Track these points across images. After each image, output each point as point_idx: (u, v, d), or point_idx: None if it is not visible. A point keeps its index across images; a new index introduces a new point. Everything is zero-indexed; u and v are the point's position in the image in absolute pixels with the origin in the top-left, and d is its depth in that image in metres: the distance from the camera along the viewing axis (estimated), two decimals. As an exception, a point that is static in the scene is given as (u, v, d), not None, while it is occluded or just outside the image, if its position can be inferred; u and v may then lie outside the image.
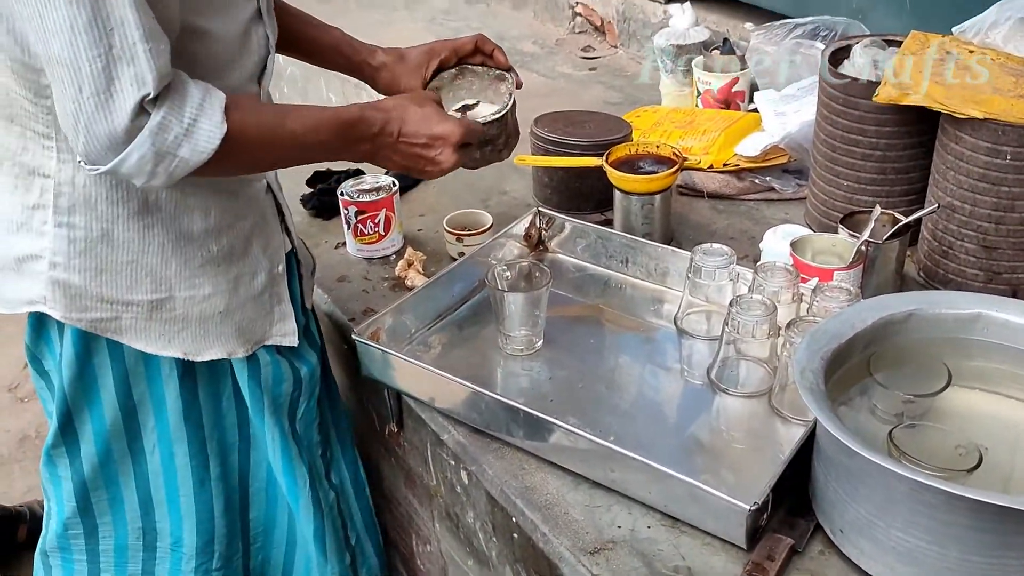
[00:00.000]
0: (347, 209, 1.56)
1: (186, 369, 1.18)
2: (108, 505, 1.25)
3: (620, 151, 1.55)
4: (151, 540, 1.27)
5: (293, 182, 1.71)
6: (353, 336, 1.26)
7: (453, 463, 1.22)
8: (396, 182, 1.60)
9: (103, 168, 0.95)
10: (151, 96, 0.93)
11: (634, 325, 1.40)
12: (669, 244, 1.56)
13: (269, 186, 1.22)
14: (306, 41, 1.38)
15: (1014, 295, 1.35)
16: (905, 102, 1.31)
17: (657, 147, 1.56)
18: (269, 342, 1.22)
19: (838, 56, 1.52)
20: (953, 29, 1.44)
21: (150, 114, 0.93)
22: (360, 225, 1.56)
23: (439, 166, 1.22)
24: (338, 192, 1.59)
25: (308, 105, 1.17)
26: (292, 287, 1.25)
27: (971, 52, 1.38)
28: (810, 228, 1.54)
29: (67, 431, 1.20)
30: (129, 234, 1.08)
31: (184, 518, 1.25)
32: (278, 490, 1.32)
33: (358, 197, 1.56)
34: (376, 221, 1.56)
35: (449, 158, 1.21)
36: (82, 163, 0.97)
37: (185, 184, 1.05)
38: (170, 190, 1.08)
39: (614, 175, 1.51)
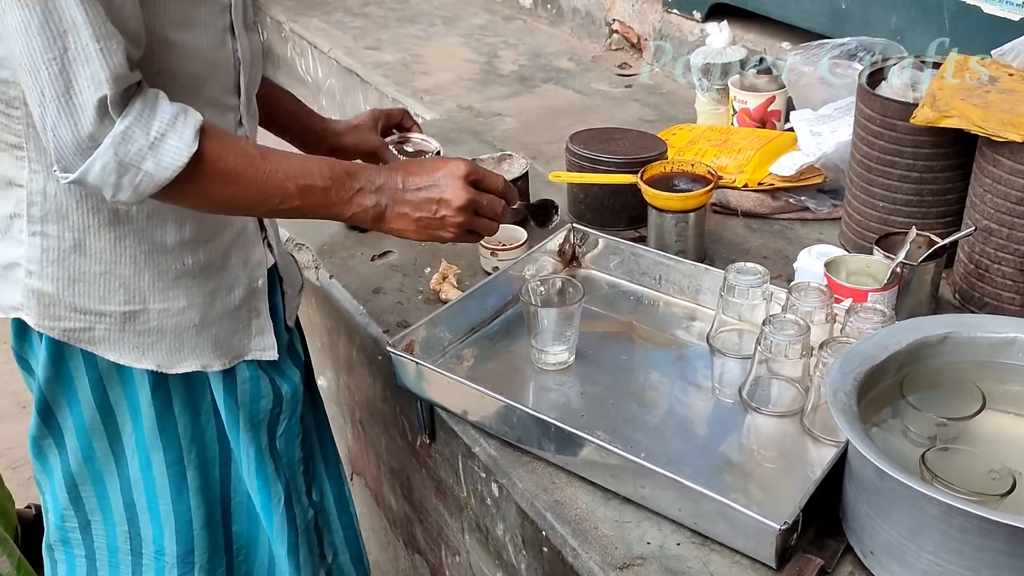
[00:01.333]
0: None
1: (158, 380, 1.18)
2: (97, 503, 1.25)
3: (655, 169, 1.56)
4: (137, 545, 1.27)
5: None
6: (387, 348, 1.28)
7: (484, 476, 1.23)
8: (440, 151, 1.61)
9: (72, 176, 0.94)
10: (109, 98, 0.92)
11: (666, 342, 1.40)
12: (702, 262, 1.57)
13: None
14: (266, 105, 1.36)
15: (1051, 319, 1.34)
16: (943, 124, 1.31)
17: (692, 165, 1.57)
18: (248, 357, 1.21)
19: (875, 77, 1.52)
20: (992, 52, 1.43)
21: (115, 122, 0.93)
22: None
23: (451, 205, 1.13)
24: (386, 141, 1.59)
25: (304, 154, 1.15)
26: (274, 302, 1.25)
27: (1010, 75, 1.38)
28: (845, 248, 1.54)
29: (50, 423, 1.20)
30: (101, 244, 1.08)
31: (164, 526, 1.25)
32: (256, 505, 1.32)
33: (400, 158, 1.58)
34: None
35: (460, 193, 1.13)
36: (56, 171, 0.96)
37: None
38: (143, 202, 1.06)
39: (648, 193, 1.52)
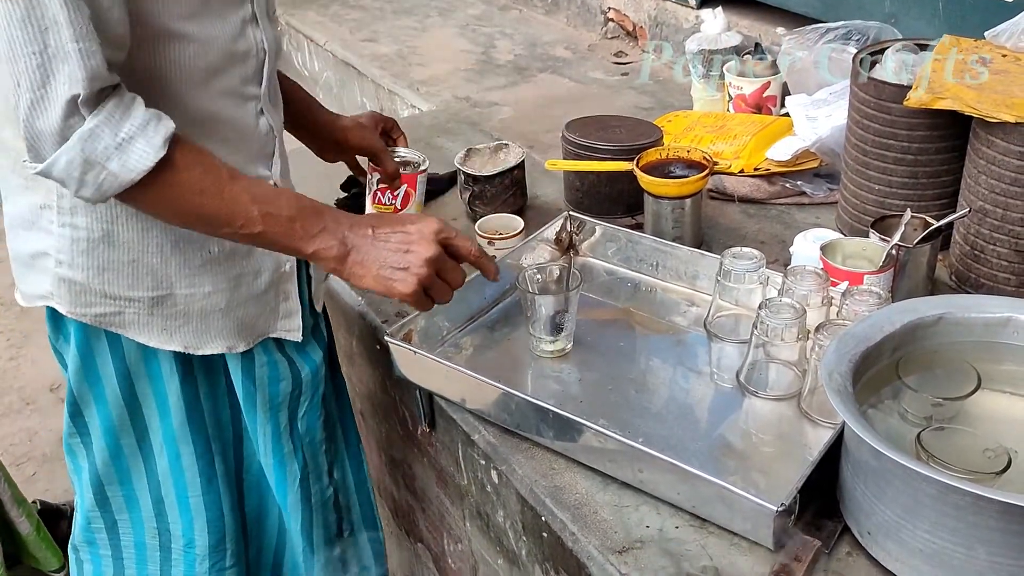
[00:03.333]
0: (372, 175, 1.58)
1: (186, 370, 1.21)
2: (124, 502, 1.28)
3: (651, 156, 1.56)
4: (166, 541, 1.30)
5: (326, 187, 1.74)
6: (386, 337, 1.29)
7: (484, 463, 1.24)
8: (426, 160, 1.63)
9: (39, 168, 0.96)
10: (82, 96, 0.93)
11: (664, 328, 1.41)
12: (699, 248, 1.57)
13: (277, 185, 1.22)
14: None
15: (1047, 300, 1.34)
16: (937, 106, 1.31)
17: (688, 152, 1.57)
18: (273, 335, 1.24)
19: (869, 60, 1.52)
20: (986, 33, 1.43)
21: (85, 119, 0.94)
22: (379, 193, 1.58)
23: (419, 256, 1.10)
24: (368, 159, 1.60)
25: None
26: (300, 286, 1.26)
27: (1004, 56, 1.38)
28: (841, 232, 1.54)
29: (78, 421, 1.23)
30: (129, 235, 1.10)
31: (195, 519, 1.28)
32: (268, 481, 1.35)
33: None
34: (395, 193, 1.58)
35: (430, 247, 1.11)
36: (26, 160, 0.98)
37: None
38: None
39: (644, 179, 1.52)
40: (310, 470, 1.34)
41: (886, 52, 1.51)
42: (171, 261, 1.13)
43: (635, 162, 1.55)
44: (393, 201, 1.59)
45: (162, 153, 0.97)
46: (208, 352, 1.19)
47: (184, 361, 1.21)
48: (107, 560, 1.31)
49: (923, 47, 1.52)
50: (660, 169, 1.55)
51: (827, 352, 1.02)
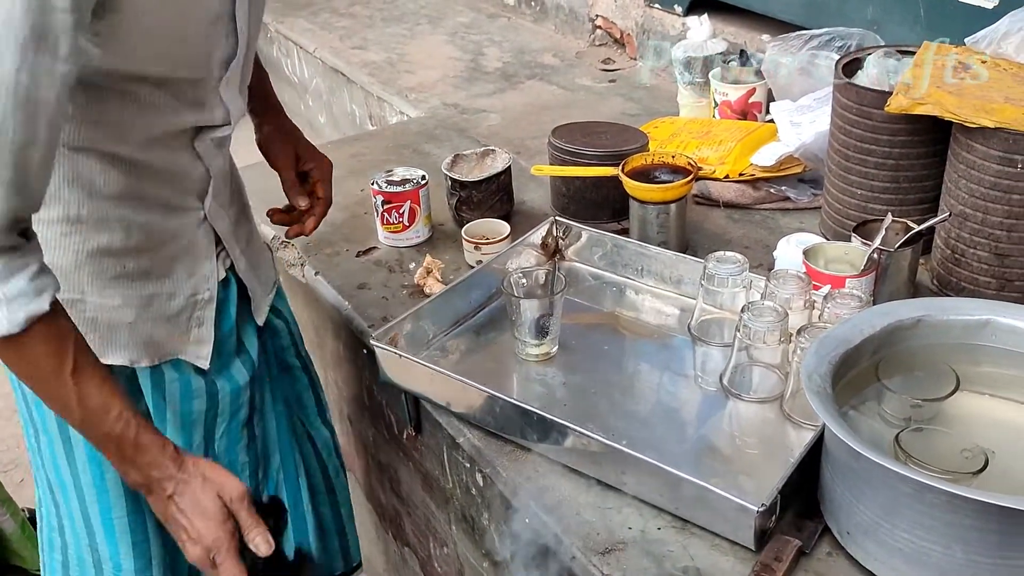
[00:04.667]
0: (375, 198, 1.65)
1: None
2: (67, 509, 1.25)
3: (636, 161, 1.57)
4: (97, 560, 1.26)
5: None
6: (371, 341, 1.29)
7: (468, 466, 1.24)
8: (425, 176, 1.65)
9: None
10: None
11: (649, 332, 1.42)
12: (684, 252, 1.58)
13: (206, 217, 1.21)
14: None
15: (1027, 303, 1.35)
16: (917, 112, 1.33)
17: (672, 157, 1.58)
18: (181, 357, 1.22)
19: (852, 67, 1.54)
20: (966, 39, 1.45)
21: None
22: (386, 214, 1.65)
23: (195, 539, 1.07)
24: (370, 183, 1.67)
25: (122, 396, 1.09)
26: (226, 311, 1.26)
27: (983, 62, 1.39)
28: (824, 237, 1.56)
29: (32, 420, 1.22)
30: (48, 235, 1.09)
31: (120, 540, 1.24)
32: None
33: (386, 187, 1.64)
34: (400, 212, 1.64)
35: (208, 530, 1.06)
36: None
37: (109, 199, 1.09)
38: (94, 204, 1.09)
39: (630, 185, 1.53)
40: None
41: (868, 58, 1.52)
42: (84, 268, 1.12)
43: (620, 167, 1.56)
44: (400, 219, 1.63)
45: (15, 331, 0.95)
46: (109, 362, 1.16)
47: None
48: (59, 567, 1.29)
49: (905, 53, 1.53)
50: (645, 174, 1.56)
51: (807, 354, 1.03)
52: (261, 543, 1.08)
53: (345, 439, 1.81)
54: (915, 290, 1.42)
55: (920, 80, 1.36)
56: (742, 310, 1.22)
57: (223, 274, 1.25)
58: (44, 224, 1.08)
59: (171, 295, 1.19)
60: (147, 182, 1.12)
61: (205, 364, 1.23)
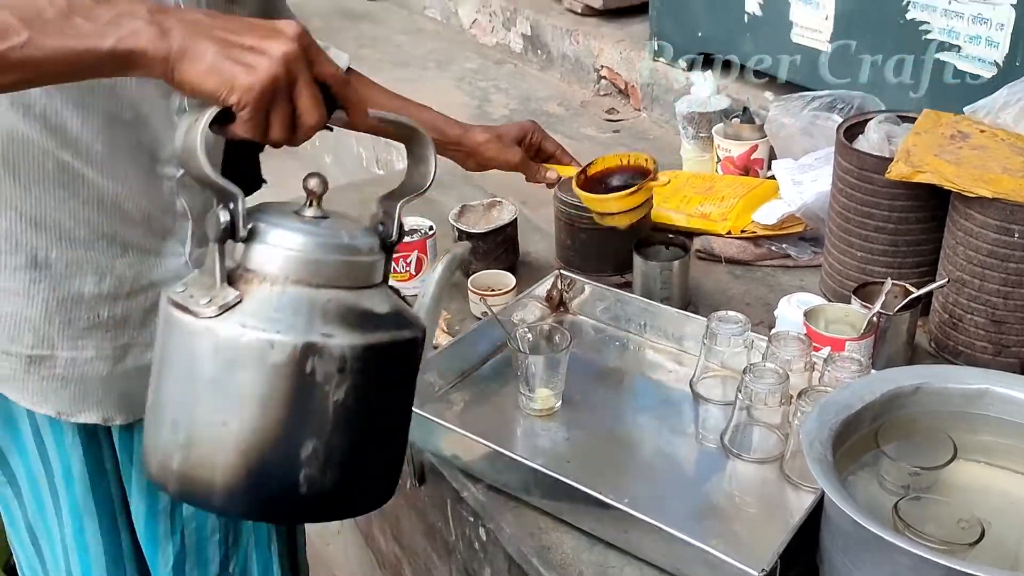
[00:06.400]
0: None
1: (90, 438, 1.16)
2: (50, 557, 1.23)
3: (593, 168, 1.53)
4: None
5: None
6: (379, 393, 1.31)
7: (472, 519, 1.26)
8: (433, 227, 1.68)
9: None
10: None
11: (651, 388, 1.44)
12: (687, 309, 1.61)
13: (188, 264, 1.15)
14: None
15: (1023, 368, 1.38)
16: (917, 180, 1.36)
17: (628, 160, 1.52)
18: None
19: (853, 130, 1.57)
20: (965, 109, 1.49)
21: None
22: (393, 263, 1.62)
23: (272, 48, 0.76)
24: None
25: None
26: None
27: (982, 132, 1.43)
28: (825, 296, 1.58)
29: (5, 469, 1.19)
30: (15, 285, 1.05)
31: None
32: None
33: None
34: (408, 261, 1.66)
35: (291, 44, 0.76)
36: None
37: (80, 244, 1.05)
38: (63, 248, 1.04)
39: (585, 197, 1.49)
40: (188, 556, 1.27)
41: (869, 123, 1.56)
42: (55, 319, 1.07)
43: (574, 181, 1.53)
44: (407, 268, 1.65)
45: None
46: (83, 420, 1.13)
47: (88, 429, 1.15)
48: None
49: (905, 119, 1.57)
50: (603, 184, 1.53)
51: (808, 420, 1.05)
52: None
53: (346, 484, 1.83)
54: (913, 353, 1.45)
55: (920, 148, 1.40)
56: (744, 371, 1.24)
57: None
58: (9, 272, 1.04)
59: (147, 345, 1.11)
60: (119, 220, 1.06)
61: None
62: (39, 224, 1.04)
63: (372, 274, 0.84)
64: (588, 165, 1.51)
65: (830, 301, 1.55)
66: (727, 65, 2.29)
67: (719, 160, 2.03)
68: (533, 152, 1.59)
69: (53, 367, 1.10)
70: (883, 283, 1.37)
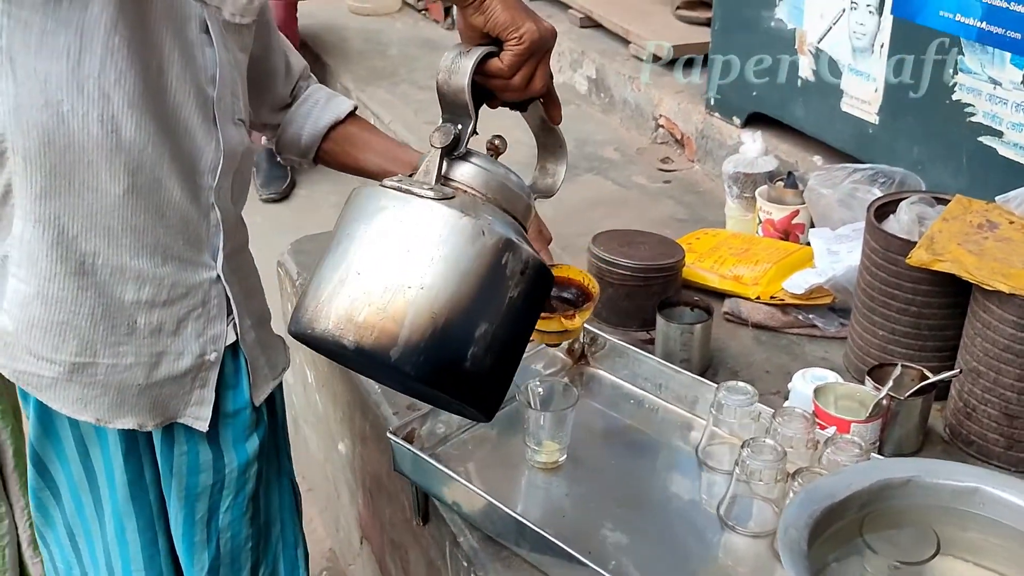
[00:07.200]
0: None
1: (130, 446, 1.24)
2: (90, 558, 1.30)
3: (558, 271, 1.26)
4: None
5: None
6: (388, 435, 1.36)
7: (466, 565, 1.29)
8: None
9: None
10: None
11: (660, 450, 1.46)
12: (706, 372, 1.63)
13: (220, 277, 1.22)
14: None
15: (1034, 464, 1.37)
16: (936, 268, 1.36)
17: (583, 280, 1.30)
18: (180, 420, 1.24)
19: (886, 209, 1.58)
20: (997, 198, 1.48)
21: None
22: None
23: (544, 25, 1.03)
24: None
25: None
26: (239, 384, 1.27)
27: (1011, 223, 1.43)
28: (847, 371, 1.59)
29: (45, 476, 1.27)
30: (63, 293, 1.12)
31: None
32: None
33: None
34: None
35: (554, 28, 1.05)
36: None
37: (126, 251, 1.12)
38: (109, 254, 1.11)
39: None
40: (223, 563, 1.34)
41: (902, 203, 1.56)
42: (99, 327, 1.14)
43: None
44: None
45: None
46: (119, 426, 1.20)
47: (129, 437, 1.23)
48: None
49: (940, 201, 1.57)
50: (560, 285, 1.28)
51: (790, 505, 1.06)
52: None
53: (367, 510, 1.89)
54: (925, 438, 1.44)
55: (944, 235, 1.40)
56: (742, 445, 1.26)
57: (232, 338, 1.26)
58: (58, 281, 1.11)
59: (179, 354, 1.21)
60: (162, 228, 1.14)
61: (204, 426, 1.24)
62: (91, 230, 1.10)
63: (528, 219, 1.03)
64: (553, 266, 1.29)
65: (852, 376, 1.56)
66: (781, 126, 2.30)
67: (760, 222, 2.04)
68: None
69: (95, 374, 1.17)
70: (895, 366, 1.37)
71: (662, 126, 2.79)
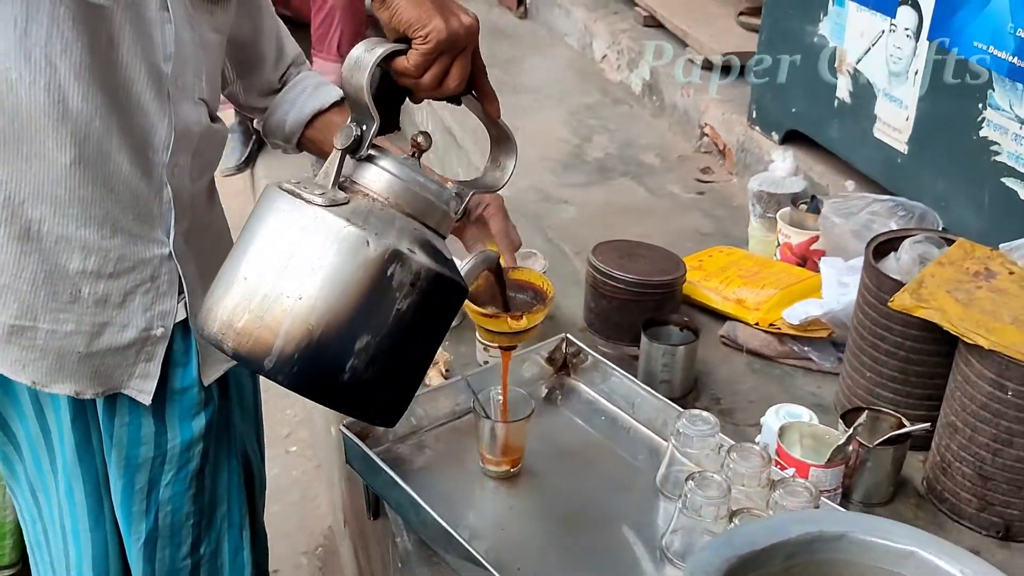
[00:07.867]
0: None
1: (78, 410, 1.24)
2: (49, 513, 1.32)
3: (516, 273, 1.30)
4: (67, 567, 1.33)
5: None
6: (341, 427, 1.37)
7: (400, 566, 1.30)
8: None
9: None
10: None
11: (620, 472, 1.42)
12: (688, 395, 1.59)
13: (172, 255, 1.21)
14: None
15: (1007, 530, 1.30)
16: (918, 314, 1.30)
17: (543, 284, 1.29)
18: (124, 391, 1.24)
19: (889, 245, 1.51)
20: (1001, 246, 1.40)
21: None
22: None
23: (457, 19, 0.97)
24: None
25: None
26: (174, 355, 1.26)
27: (1011, 273, 1.35)
28: (835, 409, 1.53)
29: (7, 430, 1.30)
30: (5, 257, 1.12)
31: (83, 553, 1.31)
32: None
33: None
34: None
35: (471, 21, 0.98)
36: None
37: (72, 221, 1.12)
38: (55, 223, 1.12)
39: (471, 309, 1.25)
40: (161, 535, 1.33)
41: (904, 242, 1.49)
42: (40, 292, 1.15)
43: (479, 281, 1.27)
44: None
45: None
46: (56, 391, 1.20)
47: (77, 402, 1.23)
48: (47, 568, 1.37)
49: (948, 241, 1.50)
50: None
51: (702, 549, 1.03)
52: None
53: (347, 497, 1.91)
54: (896, 489, 1.38)
55: (935, 280, 1.33)
56: (686, 478, 1.22)
57: (183, 315, 1.24)
58: (0, 243, 1.12)
59: (123, 326, 1.20)
60: (111, 201, 1.14)
61: (147, 399, 1.24)
62: (37, 197, 1.11)
63: (444, 225, 0.98)
64: (512, 269, 1.32)
65: (840, 415, 1.50)
66: (819, 146, 2.23)
67: (779, 245, 1.98)
68: (479, 223, 1.41)
69: (34, 338, 1.17)
70: (864, 411, 1.31)
71: (707, 135, 2.72)
